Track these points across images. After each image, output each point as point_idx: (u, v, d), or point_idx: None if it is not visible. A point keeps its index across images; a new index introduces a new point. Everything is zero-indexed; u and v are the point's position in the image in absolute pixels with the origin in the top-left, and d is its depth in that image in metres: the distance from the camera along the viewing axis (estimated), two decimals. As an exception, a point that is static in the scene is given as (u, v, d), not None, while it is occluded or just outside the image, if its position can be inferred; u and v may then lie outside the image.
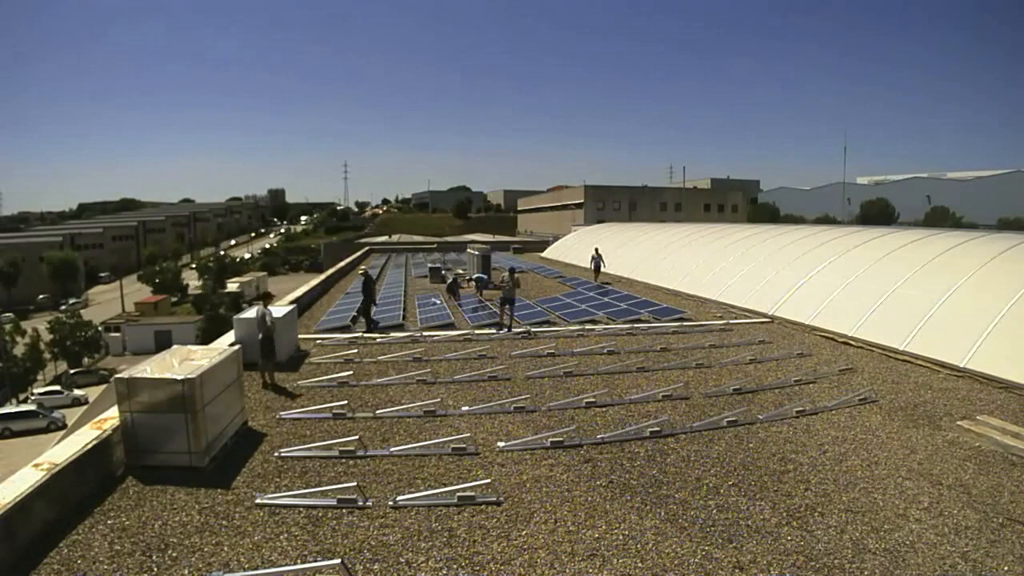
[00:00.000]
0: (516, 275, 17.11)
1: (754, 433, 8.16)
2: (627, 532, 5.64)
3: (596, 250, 26.26)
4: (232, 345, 9.31)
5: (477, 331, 14.90)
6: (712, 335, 14.49)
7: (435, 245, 56.67)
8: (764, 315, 16.80)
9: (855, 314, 14.27)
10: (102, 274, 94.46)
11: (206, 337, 46.74)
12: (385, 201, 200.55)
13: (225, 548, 5.34)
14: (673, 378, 10.73)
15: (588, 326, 15.52)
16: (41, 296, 79.15)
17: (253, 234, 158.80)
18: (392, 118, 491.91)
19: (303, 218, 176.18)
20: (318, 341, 13.90)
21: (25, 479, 5.55)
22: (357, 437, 7.62)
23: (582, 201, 71.03)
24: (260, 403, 9.36)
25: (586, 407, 9.10)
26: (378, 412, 8.89)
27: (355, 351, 12.80)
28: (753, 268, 19.91)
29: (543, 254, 43.30)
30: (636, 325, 15.64)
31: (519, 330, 14.88)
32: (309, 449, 7.45)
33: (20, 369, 46.37)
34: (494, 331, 14.84)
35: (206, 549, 5.31)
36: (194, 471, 6.73)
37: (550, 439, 7.71)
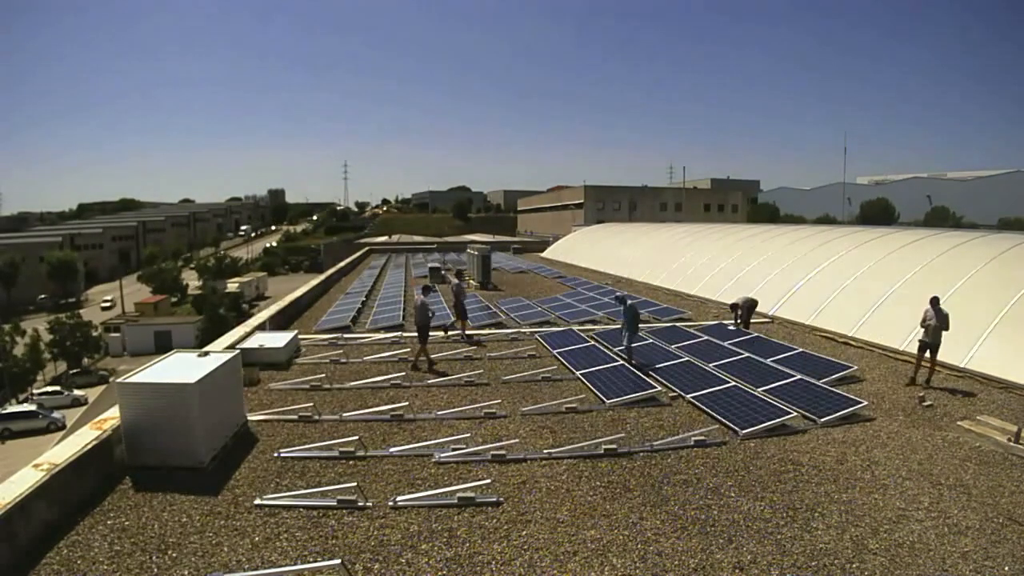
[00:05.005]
0: (461, 283, 16.57)
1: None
2: (627, 532, 5.64)
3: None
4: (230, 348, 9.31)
5: (481, 332, 14.90)
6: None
7: (435, 245, 56.72)
8: (764, 315, 16.78)
9: (855, 314, 14.28)
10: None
11: (205, 338, 46.71)
12: (385, 201, 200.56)
13: (225, 548, 5.34)
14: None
15: (588, 326, 15.51)
16: (41, 296, 79.15)
17: (254, 234, 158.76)
18: (392, 118, 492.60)
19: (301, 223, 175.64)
20: (318, 342, 13.91)
21: (25, 479, 5.55)
22: (357, 438, 7.61)
23: (582, 201, 71.04)
24: (260, 404, 9.37)
25: (565, 411, 8.99)
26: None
27: (353, 351, 12.78)
28: (753, 268, 19.92)
29: (543, 254, 43.33)
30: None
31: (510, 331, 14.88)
32: (308, 450, 7.45)
33: (20, 369, 46.35)
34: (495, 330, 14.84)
35: (206, 549, 5.31)
36: (194, 472, 6.73)
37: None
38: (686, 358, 11.38)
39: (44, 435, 34.18)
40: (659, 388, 9.51)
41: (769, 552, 5.31)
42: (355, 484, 6.34)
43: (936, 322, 10.19)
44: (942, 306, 10.33)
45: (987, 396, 9.73)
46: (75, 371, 49.64)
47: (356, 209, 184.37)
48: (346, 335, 14.65)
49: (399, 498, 6.18)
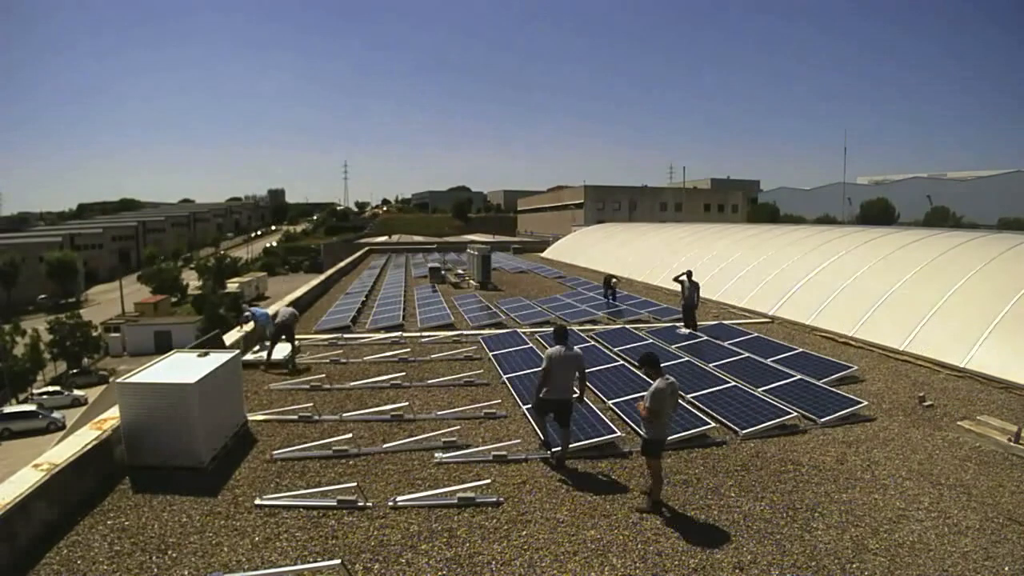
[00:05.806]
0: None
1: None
2: (627, 532, 5.64)
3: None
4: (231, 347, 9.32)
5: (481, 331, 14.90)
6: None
7: (435, 245, 56.69)
8: (764, 315, 16.79)
9: (855, 314, 14.27)
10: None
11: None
12: (385, 201, 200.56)
13: (225, 548, 5.34)
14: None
15: (588, 326, 15.51)
16: (41, 296, 79.14)
17: (255, 233, 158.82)
18: (392, 118, 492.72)
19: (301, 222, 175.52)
20: (318, 342, 13.90)
21: (25, 479, 5.55)
22: (357, 437, 7.61)
23: (582, 201, 71.05)
24: (260, 404, 9.37)
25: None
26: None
27: (353, 352, 12.78)
28: (753, 268, 19.92)
29: (543, 254, 43.31)
30: (636, 325, 15.62)
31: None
32: (308, 450, 7.44)
33: (20, 369, 46.34)
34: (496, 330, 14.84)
35: (206, 549, 5.31)
36: (194, 472, 6.73)
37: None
38: (686, 358, 11.38)
39: (44, 435, 34.15)
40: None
41: (769, 552, 5.31)
42: (355, 484, 6.34)
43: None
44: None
45: (987, 396, 9.72)
46: (75, 371, 49.61)
47: (356, 209, 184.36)
48: (346, 335, 14.65)
49: (399, 498, 6.17)
